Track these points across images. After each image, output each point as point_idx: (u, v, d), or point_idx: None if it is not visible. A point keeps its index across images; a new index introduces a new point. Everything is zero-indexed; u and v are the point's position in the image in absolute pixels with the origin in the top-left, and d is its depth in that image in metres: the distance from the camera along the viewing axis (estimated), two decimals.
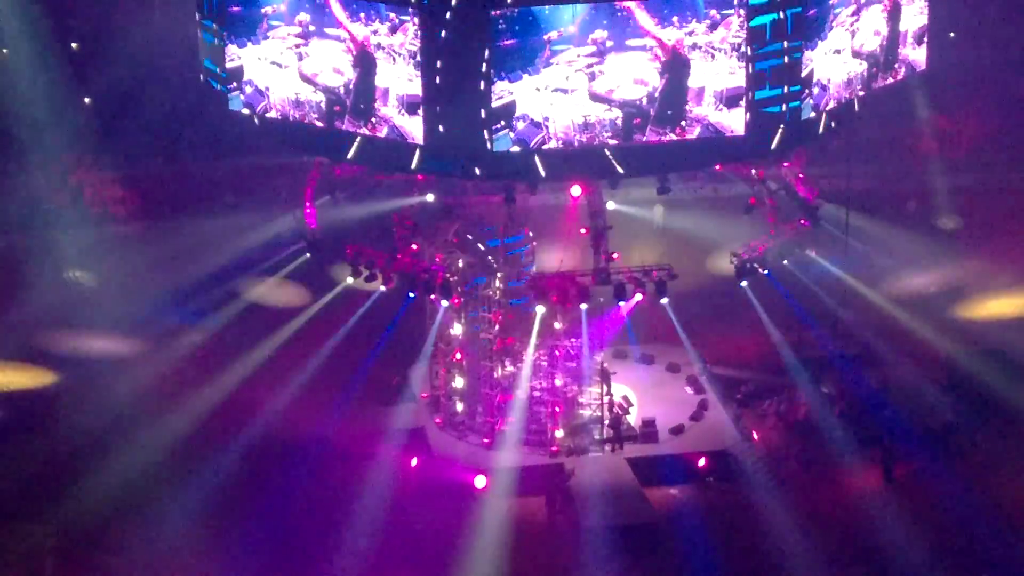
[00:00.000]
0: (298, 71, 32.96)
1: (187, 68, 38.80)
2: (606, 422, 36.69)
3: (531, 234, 37.31)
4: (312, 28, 32.32)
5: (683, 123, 31.46)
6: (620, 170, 32.04)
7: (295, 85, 33.11)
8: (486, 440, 36.86)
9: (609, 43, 30.62)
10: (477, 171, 32.21)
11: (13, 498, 33.76)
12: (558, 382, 36.65)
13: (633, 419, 37.57)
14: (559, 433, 36.48)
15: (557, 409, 36.62)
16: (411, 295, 37.46)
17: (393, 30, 31.01)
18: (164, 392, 38.21)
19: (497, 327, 36.92)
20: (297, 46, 32.77)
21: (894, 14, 35.03)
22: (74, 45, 50.57)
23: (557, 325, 36.52)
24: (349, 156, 33.04)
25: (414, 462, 35.82)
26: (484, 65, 30.27)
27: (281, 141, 36.31)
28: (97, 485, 33.99)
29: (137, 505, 33.46)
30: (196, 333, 41.95)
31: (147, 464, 34.79)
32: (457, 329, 37.88)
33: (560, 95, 30.98)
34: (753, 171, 37.93)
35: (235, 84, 34.11)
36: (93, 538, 32.53)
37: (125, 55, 49.72)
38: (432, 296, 36.62)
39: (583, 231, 35.96)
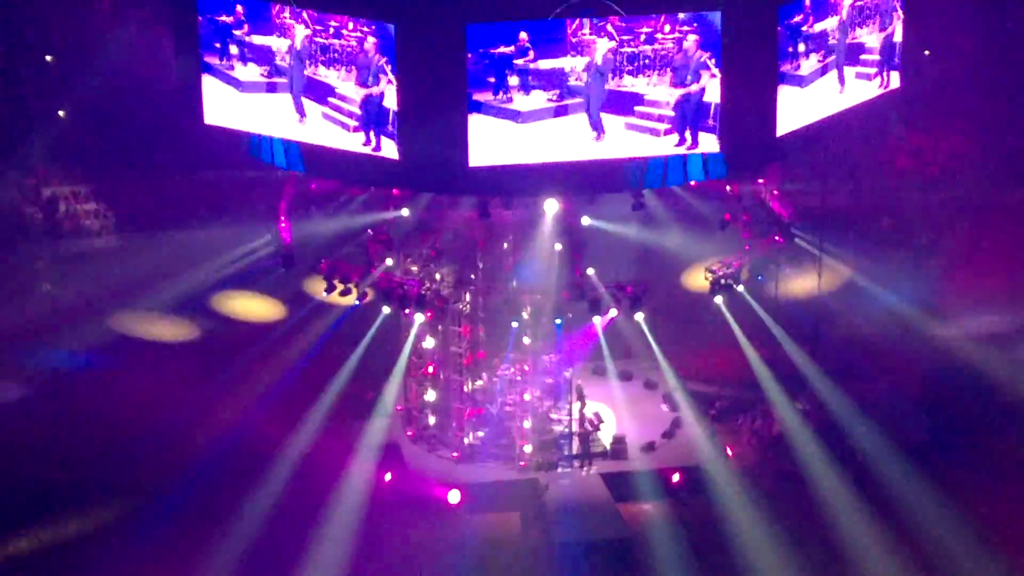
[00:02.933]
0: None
1: (162, 81, 38.58)
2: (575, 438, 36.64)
3: (508, 247, 37.27)
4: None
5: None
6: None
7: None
8: (455, 454, 36.77)
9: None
10: (452, 186, 32.08)
11: None
12: (527, 397, 36.61)
13: (607, 436, 37.52)
14: (528, 448, 36.42)
15: (526, 424, 36.56)
16: (385, 310, 37.39)
17: (367, 43, 30.93)
18: (137, 407, 37.97)
19: (467, 341, 36.87)
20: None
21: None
22: (48, 57, 50.27)
23: (526, 340, 36.49)
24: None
25: (388, 477, 35.70)
26: (460, 79, 30.19)
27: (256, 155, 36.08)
28: (69, 502, 33.81)
29: (108, 523, 33.31)
30: (168, 348, 41.74)
31: (117, 481, 34.62)
32: (430, 343, 37.81)
33: None
34: (728, 187, 38.00)
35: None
36: (66, 555, 32.38)
37: (100, 68, 49.47)
38: (406, 311, 36.53)
39: (558, 246, 35.91)
